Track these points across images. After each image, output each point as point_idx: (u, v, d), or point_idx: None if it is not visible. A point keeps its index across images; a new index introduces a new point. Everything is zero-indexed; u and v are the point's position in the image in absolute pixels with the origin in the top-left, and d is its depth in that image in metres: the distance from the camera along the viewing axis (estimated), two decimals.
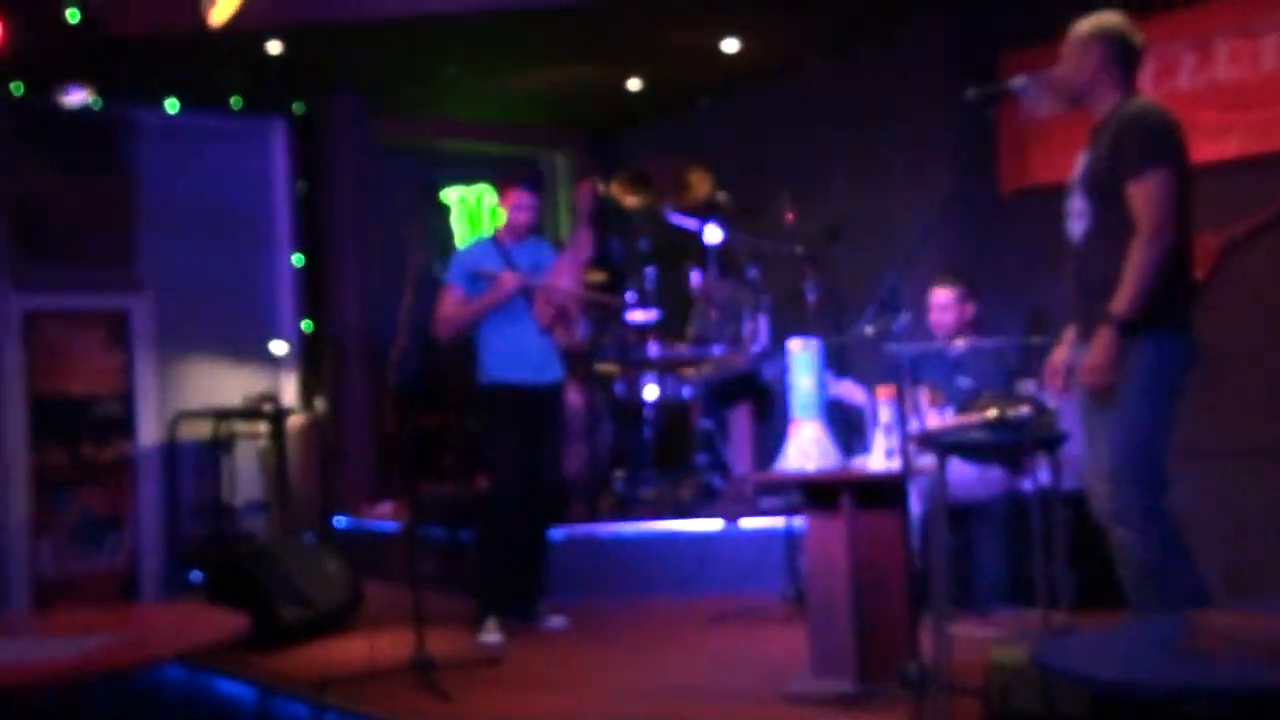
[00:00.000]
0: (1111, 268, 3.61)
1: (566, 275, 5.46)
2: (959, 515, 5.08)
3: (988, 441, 3.63)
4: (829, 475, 4.07)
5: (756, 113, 7.83)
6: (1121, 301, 3.56)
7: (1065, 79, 3.87)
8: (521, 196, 5.40)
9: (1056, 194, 6.03)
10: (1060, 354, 3.86)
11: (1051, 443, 3.70)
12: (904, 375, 3.81)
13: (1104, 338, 3.58)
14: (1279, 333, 4.94)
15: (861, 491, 4.06)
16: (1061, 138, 5.97)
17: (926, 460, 4.32)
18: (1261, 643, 2.05)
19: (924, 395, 4.43)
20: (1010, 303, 6.21)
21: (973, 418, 3.75)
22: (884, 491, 4.09)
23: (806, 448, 4.08)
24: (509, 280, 5.27)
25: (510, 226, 5.46)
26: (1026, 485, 5.37)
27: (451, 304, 5.32)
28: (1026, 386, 5.47)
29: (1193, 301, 3.72)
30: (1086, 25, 3.86)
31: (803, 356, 4.07)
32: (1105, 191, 3.70)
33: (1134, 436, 3.58)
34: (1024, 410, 3.59)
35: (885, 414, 4.03)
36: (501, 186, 5.49)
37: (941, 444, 3.58)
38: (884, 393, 4.03)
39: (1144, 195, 3.56)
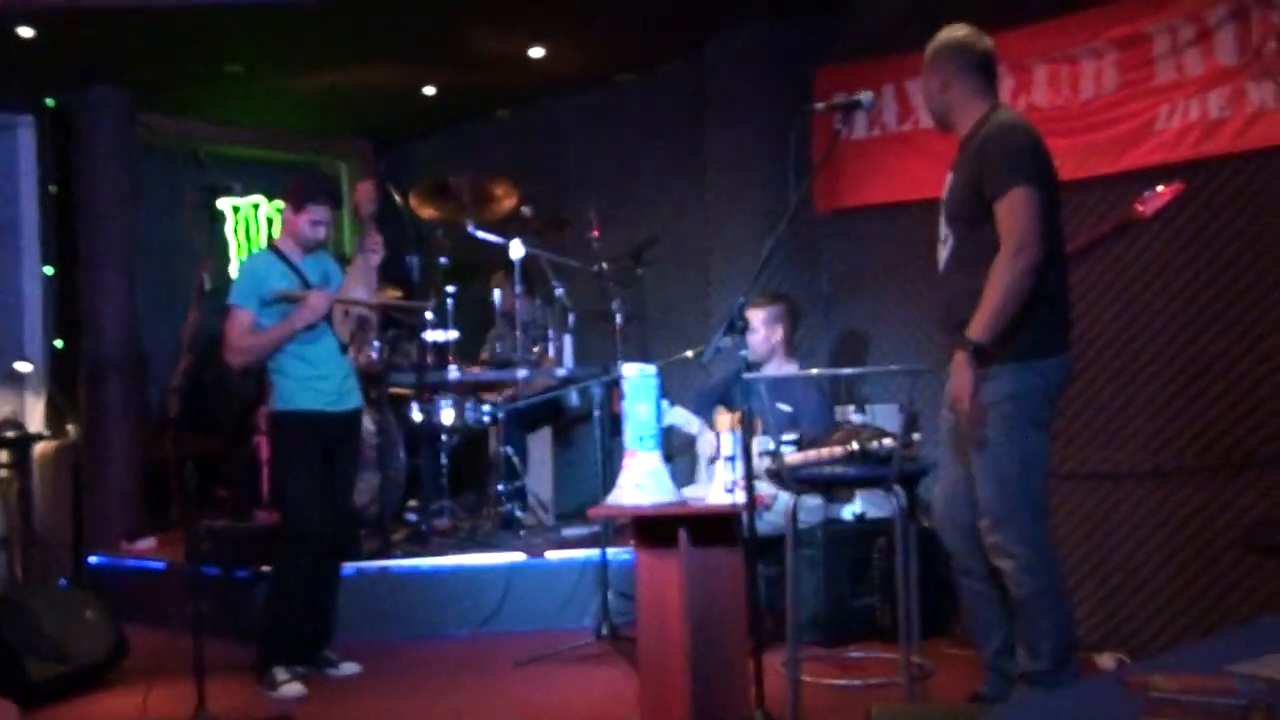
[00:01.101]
0: (971, 294, 3.46)
1: (360, 286, 5.03)
2: (772, 544, 4.87)
3: (856, 476, 3.40)
4: (668, 509, 3.77)
5: (561, 125, 7.58)
6: (977, 324, 3.42)
7: (927, 103, 3.73)
8: (318, 210, 4.93)
9: (868, 216, 6.08)
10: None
11: (918, 476, 3.51)
12: (751, 403, 3.56)
13: (958, 363, 3.43)
14: (1126, 352, 4.93)
15: (700, 526, 3.81)
16: (874, 160, 5.91)
17: (766, 491, 4.10)
18: (1220, 711, 1.84)
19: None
20: (823, 324, 6.10)
21: (826, 450, 3.51)
22: (722, 526, 3.85)
23: (642, 480, 3.77)
24: (319, 300, 4.82)
25: (300, 239, 4.97)
26: (840, 512, 5.26)
27: (243, 329, 4.81)
28: (846, 413, 5.37)
29: (1064, 328, 3.60)
30: (931, 44, 3.73)
31: (639, 381, 3.75)
32: (966, 214, 3.57)
33: (1004, 470, 3.45)
34: (886, 441, 3.38)
35: (727, 444, 3.76)
36: (297, 195, 4.92)
37: (808, 479, 3.33)
38: (724, 423, 3.77)
39: (1006, 213, 3.43)
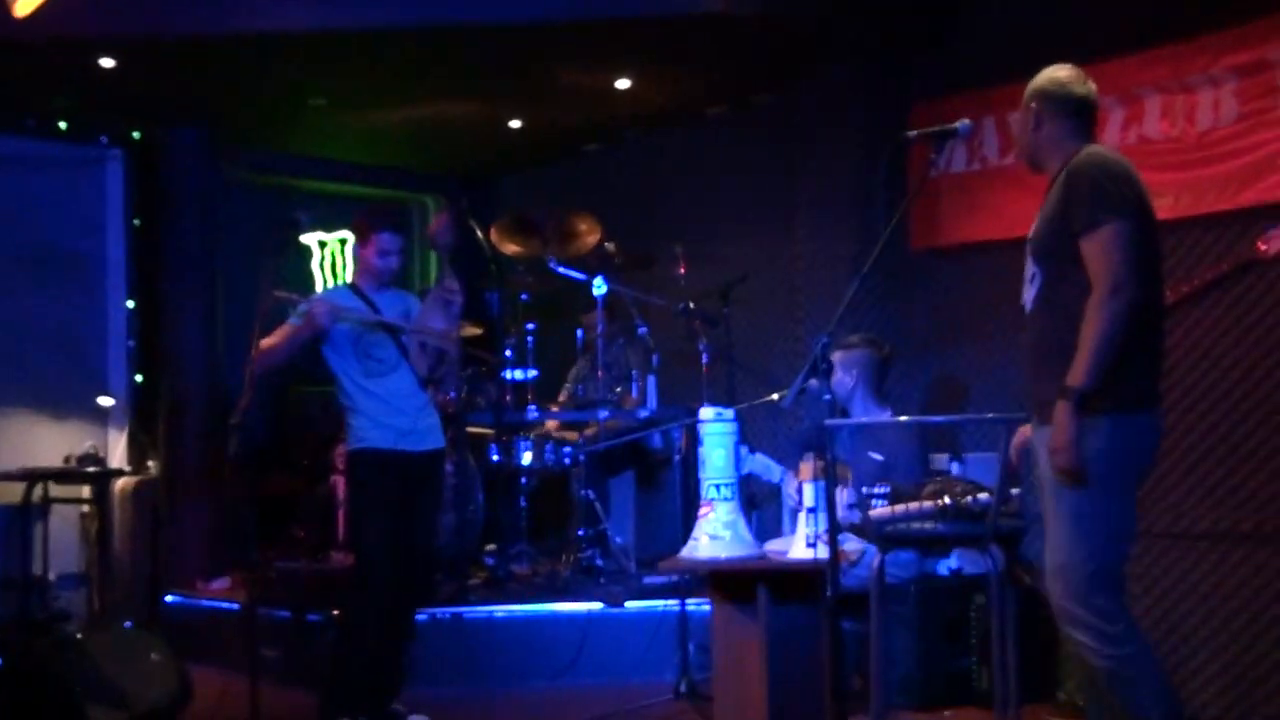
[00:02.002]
0: (1063, 336, 3.23)
1: (435, 316, 4.84)
2: (860, 600, 4.58)
3: (947, 534, 3.13)
4: (745, 565, 3.53)
5: (647, 160, 7.46)
6: (1078, 371, 3.16)
7: (1016, 142, 3.49)
8: (386, 239, 4.81)
9: (967, 254, 5.81)
10: (1024, 431, 3.43)
11: (1015, 537, 3.23)
12: (835, 451, 3.31)
13: (1061, 414, 3.16)
14: (1226, 402, 4.61)
15: (780, 583, 3.57)
16: (974, 195, 5.65)
17: (852, 546, 3.84)
18: None
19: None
20: (918, 367, 5.83)
21: (914, 504, 3.25)
22: (804, 583, 3.61)
23: (719, 532, 3.54)
24: (318, 306, 4.64)
25: (373, 272, 4.87)
26: (938, 568, 4.95)
27: (273, 336, 4.68)
28: (941, 461, 5.07)
29: (1158, 372, 3.34)
30: (1030, 85, 3.51)
31: (716, 427, 3.53)
32: (1053, 253, 3.33)
33: (1086, 528, 3.18)
34: (981, 496, 3.10)
35: (809, 496, 3.51)
36: (362, 227, 4.87)
37: (895, 537, 3.07)
38: (806, 472, 3.52)
39: (1097, 251, 3.19)
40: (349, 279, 5.08)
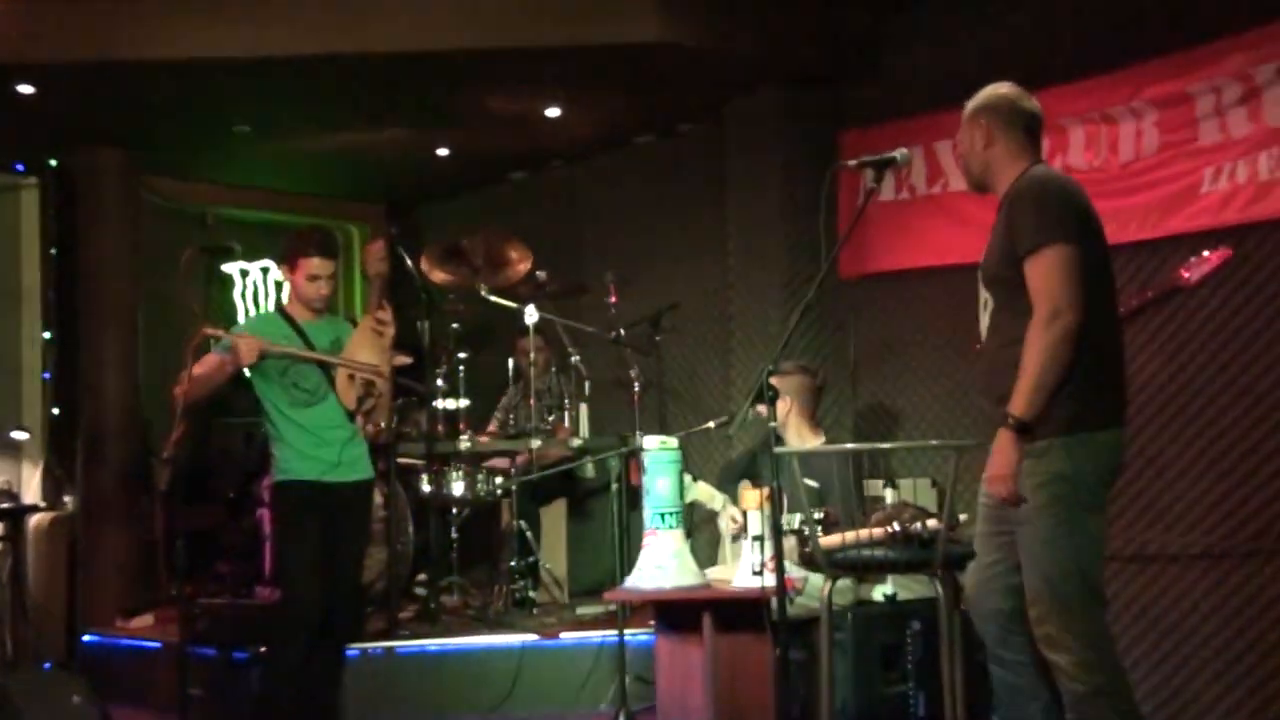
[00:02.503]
0: (1011, 364, 3.20)
1: (364, 349, 4.71)
2: (798, 627, 4.58)
3: (898, 561, 3.14)
4: (691, 594, 3.51)
5: (576, 188, 7.44)
6: (1018, 400, 3.14)
7: (962, 160, 3.49)
8: (315, 264, 4.66)
9: (896, 281, 5.87)
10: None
11: (963, 560, 3.25)
12: (780, 479, 3.31)
13: (1002, 442, 3.16)
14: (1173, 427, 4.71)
15: (725, 611, 3.55)
16: (903, 223, 5.72)
17: (796, 574, 3.84)
18: None
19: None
20: (848, 394, 5.87)
21: (864, 532, 3.26)
22: (748, 610, 3.59)
23: (664, 561, 3.52)
24: (243, 343, 4.48)
25: (304, 299, 4.74)
26: (871, 593, 4.97)
27: (201, 365, 4.51)
28: (875, 487, 5.10)
29: (1117, 400, 3.31)
30: (973, 100, 3.50)
31: (662, 456, 3.51)
32: (1001, 278, 3.32)
33: (1056, 558, 3.15)
34: (930, 523, 3.12)
35: (755, 523, 3.51)
36: (291, 252, 4.69)
37: (846, 564, 3.07)
38: (754, 499, 3.52)
39: (1036, 276, 3.17)
40: (272, 307, 4.93)
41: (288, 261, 4.74)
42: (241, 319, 7.88)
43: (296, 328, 4.70)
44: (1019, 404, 3.13)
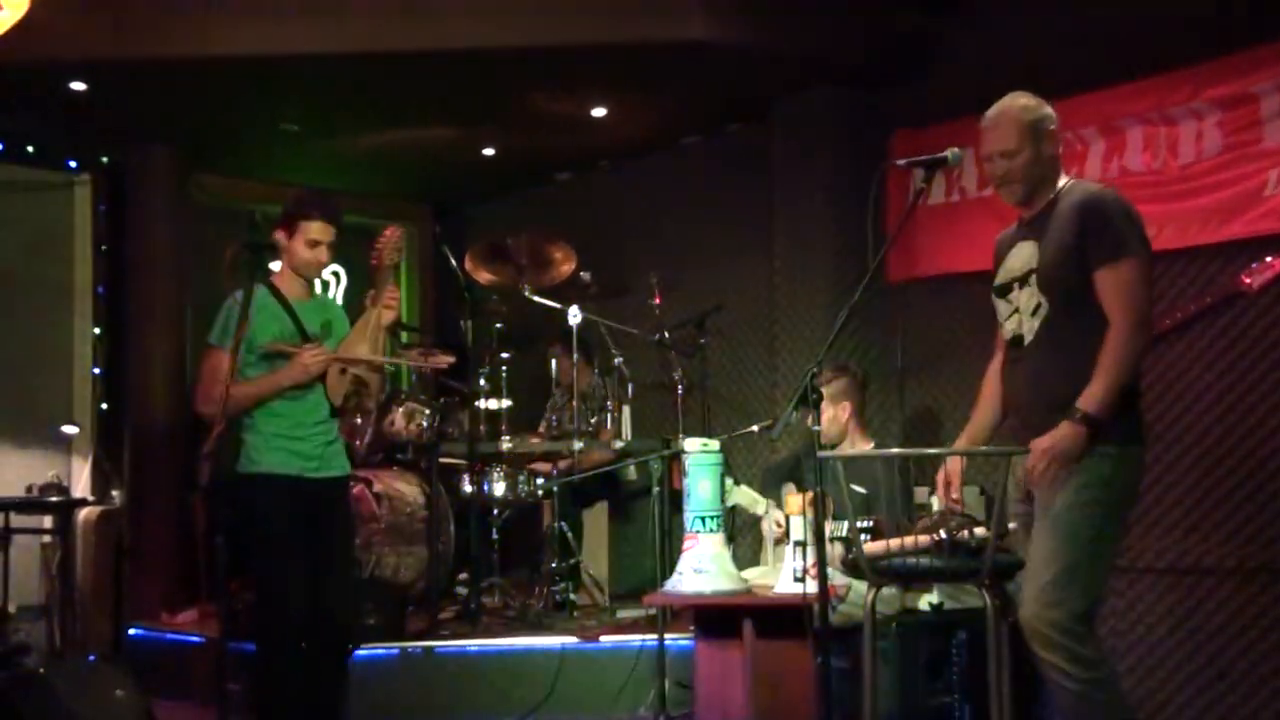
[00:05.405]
0: (1068, 369, 3.23)
1: (364, 343, 4.39)
2: (840, 635, 4.51)
3: (944, 570, 3.08)
4: (731, 599, 3.46)
5: (621, 189, 7.40)
6: (1095, 397, 3.17)
7: (1016, 171, 3.44)
8: (318, 228, 4.33)
9: (945, 285, 5.78)
10: (955, 463, 3.48)
11: (1010, 572, 3.19)
12: (824, 484, 3.25)
13: (1065, 430, 3.16)
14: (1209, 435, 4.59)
15: (766, 617, 3.50)
16: (950, 226, 5.63)
17: (839, 581, 3.77)
18: None
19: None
20: (895, 399, 5.78)
21: (909, 540, 3.19)
22: (790, 617, 3.54)
23: (704, 565, 3.46)
24: (311, 358, 4.23)
25: (301, 266, 4.39)
26: (916, 601, 4.89)
27: (217, 375, 4.10)
28: (922, 495, 5.00)
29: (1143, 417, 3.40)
30: (1015, 110, 3.45)
31: (703, 459, 3.46)
32: (1064, 283, 3.28)
33: (1073, 556, 3.18)
34: (978, 531, 3.06)
35: (798, 528, 3.45)
36: (291, 214, 4.34)
37: (890, 572, 3.01)
38: (796, 504, 3.46)
39: (1121, 285, 3.22)
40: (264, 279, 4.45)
41: (285, 224, 4.37)
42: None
43: (288, 308, 4.38)
44: (1096, 403, 3.16)
